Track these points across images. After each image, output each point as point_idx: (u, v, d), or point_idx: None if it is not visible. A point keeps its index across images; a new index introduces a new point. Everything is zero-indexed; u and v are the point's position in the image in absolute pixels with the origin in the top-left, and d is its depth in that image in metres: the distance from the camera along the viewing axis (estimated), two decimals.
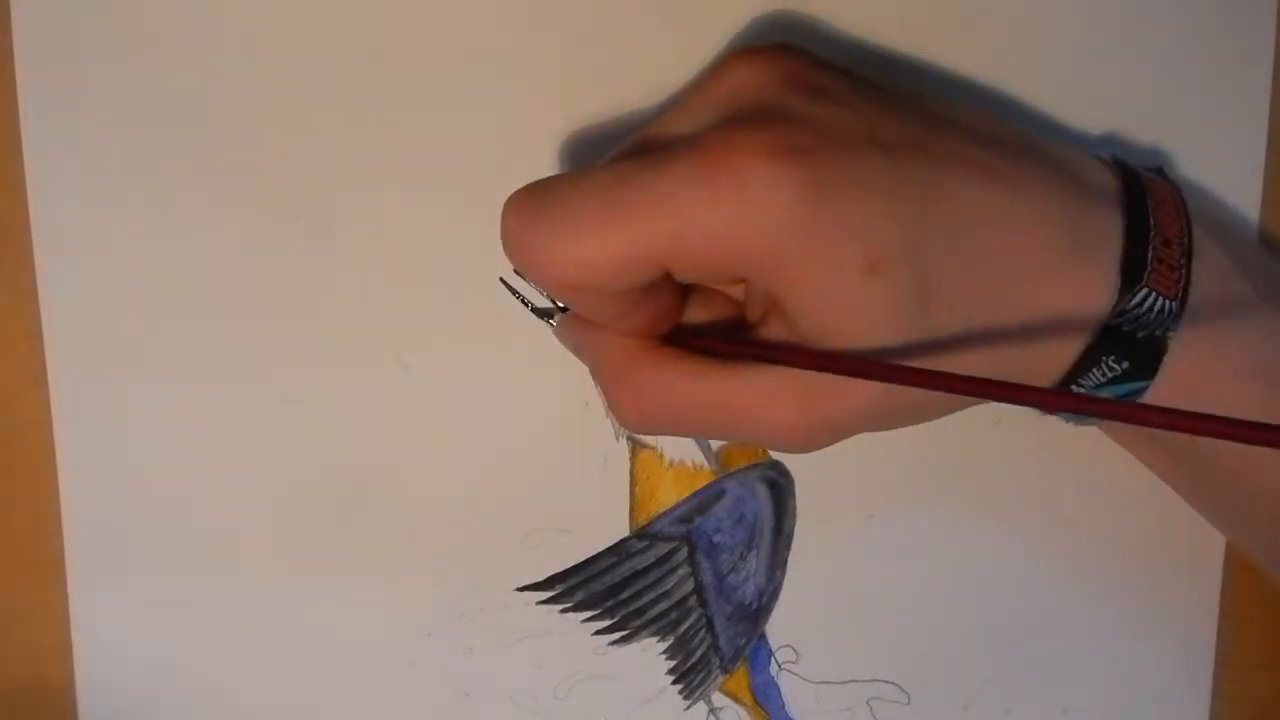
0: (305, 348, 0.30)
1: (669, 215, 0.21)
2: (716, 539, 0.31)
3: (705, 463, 0.31)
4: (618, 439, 0.31)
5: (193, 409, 0.30)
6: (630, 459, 0.31)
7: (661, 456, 0.31)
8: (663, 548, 0.31)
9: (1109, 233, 0.24)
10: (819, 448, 0.24)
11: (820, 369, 0.22)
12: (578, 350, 0.27)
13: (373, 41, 0.29)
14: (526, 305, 0.30)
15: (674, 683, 0.32)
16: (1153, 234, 0.24)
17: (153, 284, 0.30)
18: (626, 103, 0.29)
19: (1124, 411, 0.20)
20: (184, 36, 0.29)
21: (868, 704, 0.32)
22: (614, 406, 0.25)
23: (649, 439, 0.31)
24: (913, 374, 0.21)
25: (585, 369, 0.29)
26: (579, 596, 0.31)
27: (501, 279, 0.30)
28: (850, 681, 0.32)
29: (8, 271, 0.29)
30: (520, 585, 0.31)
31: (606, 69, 0.29)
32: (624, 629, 0.31)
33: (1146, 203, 0.24)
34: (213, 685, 0.31)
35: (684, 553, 0.31)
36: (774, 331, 0.24)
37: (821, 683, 0.32)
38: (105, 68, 0.29)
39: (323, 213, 0.29)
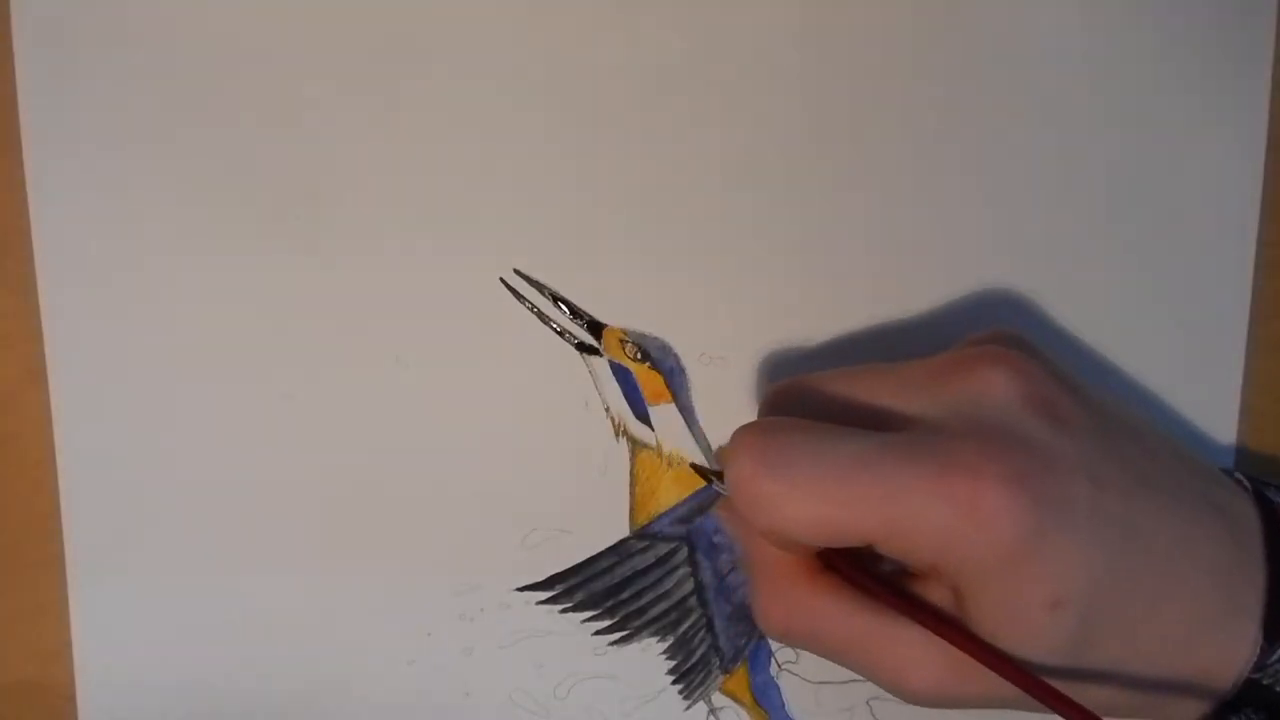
0: (305, 348, 0.30)
1: (896, 512, 0.23)
2: (716, 539, 0.31)
3: (705, 463, 0.31)
4: (618, 439, 0.31)
5: (192, 409, 0.30)
6: (630, 459, 0.31)
7: (661, 456, 0.31)
8: (663, 548, 0.31)
9: (1257, 585, 0.25)
10: (935, 709, 0.25)
11: (972, 655, 0.23)
12: (735, 536, 0.30)
13: (373, 42, 0.29)
14: (527, 305, 0.30)
15: (674, 683, 0.32)
16: None
17: (153, 283, 0.30)
18: (627, 102, 0.29)
19: None
20: (184, 37, 0.29)
21: (867, 704, 0.32)
22: (760, 613, 0.27)
23: (648, 438, 0.31)
24: (1048, 692, 0.22)
25: (584, 368, 0.29)
26: (579, 596, 0.31)
27: (501, 279, 0.30)
28: (850, 681, 0.31)
29: (8, 271, 0.30)
30: (520, 585, 0.31)
31: (606, 68, 0.29)
32: (624, 629, 0.31)
33: None
34: (213, 685, 0.31)
35: (684, 553, 0.31)
36: (934, 594, 0.25)
37: (821, 683, 0.32)
38: (105, 68, 0.29)
39: (323, 213, 0.30)
